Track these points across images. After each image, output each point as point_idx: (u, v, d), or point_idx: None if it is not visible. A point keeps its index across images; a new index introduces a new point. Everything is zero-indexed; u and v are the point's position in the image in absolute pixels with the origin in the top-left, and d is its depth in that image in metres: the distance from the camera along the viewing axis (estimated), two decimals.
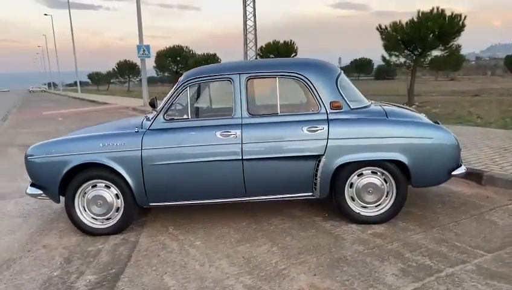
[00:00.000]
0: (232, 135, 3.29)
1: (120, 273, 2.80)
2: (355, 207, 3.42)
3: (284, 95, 3.43)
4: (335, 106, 3.35)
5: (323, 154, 3.27)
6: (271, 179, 3.36)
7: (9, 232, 3.65)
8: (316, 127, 3.28)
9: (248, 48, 25.49)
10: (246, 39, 25.47)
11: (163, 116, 3.40)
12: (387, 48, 14.96)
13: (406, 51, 14.62)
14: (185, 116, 3.43)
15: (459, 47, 14.28)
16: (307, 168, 3.32)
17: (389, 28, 14.44)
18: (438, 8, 13.52)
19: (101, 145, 3.33)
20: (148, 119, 3.56)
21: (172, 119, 3.41)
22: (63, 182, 3.34)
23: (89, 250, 3.19)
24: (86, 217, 3.44)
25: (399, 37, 14.16)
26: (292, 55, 27.51)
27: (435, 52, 14.60)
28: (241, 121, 3.33)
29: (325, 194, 3.37)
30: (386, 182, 3.39)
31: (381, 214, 3.42)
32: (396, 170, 3.34)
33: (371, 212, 3.42)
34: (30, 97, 47.09)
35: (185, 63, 35.17)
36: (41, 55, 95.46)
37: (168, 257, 3.00)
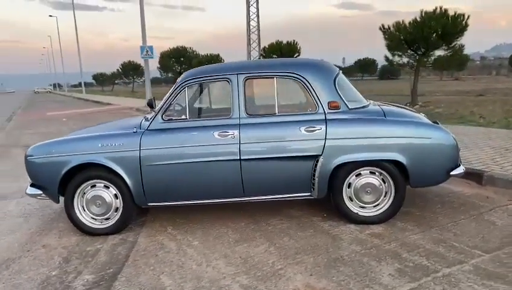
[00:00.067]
0: (230, 135, 3.30)
1: (117, 273, 2.81)
2: (353, 207, 3.42)
3: (282, 95, 3.44)
4: (333, 106, 3.35)
5: (321, 155, 3.27)
6: (269, 179, 3.36)
7: (9, 232, 3.68)
8: (314, 127, 3.28)
9: (251, 48, 25.46)
10: (249, 39, 25.46)
11: (162, 116, 3.42)
12: (390, 47, 14.89)
13: (409, 51, 14.55)
14: (183, 117, 3.44)
15: (462, 47, 14.19)
16: (305, 168, 3.32)
17: (391, 28, 14.39)
18: (441, 8, 13.47)
19: (99, 145, 3.35)
20: (146, 119, 3.58)
21: (170, 120, 3.42)
22: (62, 182, 3.37)
23: (87, 250, 3.21)
24: (85, 217, 3.46)
25: (402, 37, 14.11)
26: (295, 56, 27.47)
27: (438, 52, 14.54)
28: (239, 121, 3.34)
29: (323, 194, 3.37)
30: (384, 182, 3.38)
31: (379, 214, 3.41)
32: (395, 170, 3.33)
33: (369, 212, 3.42)
34: (35, 98, 47.43)
35: (188, 64, 35.28)
36: (47, 57, 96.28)
37: (165, 257, 3.02)
